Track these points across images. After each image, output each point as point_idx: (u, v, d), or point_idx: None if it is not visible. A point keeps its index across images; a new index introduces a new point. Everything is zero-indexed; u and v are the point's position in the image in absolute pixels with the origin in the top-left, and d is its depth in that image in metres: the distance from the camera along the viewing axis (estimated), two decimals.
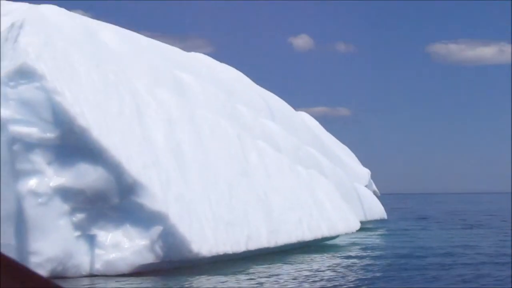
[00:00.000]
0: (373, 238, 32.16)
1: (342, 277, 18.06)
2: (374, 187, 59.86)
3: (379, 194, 63.66)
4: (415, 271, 19.78)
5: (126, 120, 17.86)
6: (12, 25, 17.27)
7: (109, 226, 16.74)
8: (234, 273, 17.72)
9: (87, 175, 16.42)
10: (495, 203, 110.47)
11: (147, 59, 26.16)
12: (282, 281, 16.99)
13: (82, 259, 16.54)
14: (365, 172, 51.46)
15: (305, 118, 48.73)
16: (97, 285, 15.83)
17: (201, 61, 38.45)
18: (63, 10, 22.43)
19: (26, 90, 16.21)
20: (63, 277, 16.24)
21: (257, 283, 16.39)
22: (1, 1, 21.32)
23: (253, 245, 19.67)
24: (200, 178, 19.08)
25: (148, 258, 16.83)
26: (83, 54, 18.66)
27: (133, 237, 16.77)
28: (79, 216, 16.50)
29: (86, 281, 16.24)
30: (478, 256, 23.69)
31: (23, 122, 16.12)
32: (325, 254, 23.13)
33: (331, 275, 18.24)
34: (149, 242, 16.79)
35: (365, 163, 55.29)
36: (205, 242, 17.67)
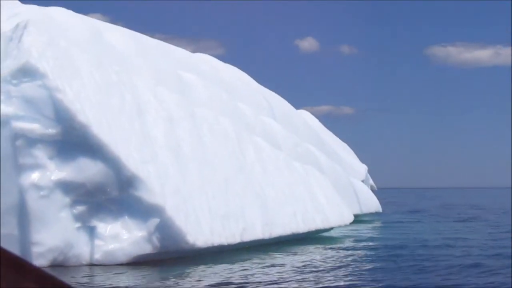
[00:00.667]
0: (366, 230, 31.87)
1: (330, 265, 17.76)
2: (371, 181, 59.54)
3: (376, 189, 63.40)
4: (404, 261, 19.50)
5: (126, 117, 17.61)
6: (17, 25, 17.05)
7: (108, 218, 16.51)
8: (229, 263, 17.46)
9: (87, 169, 16.19)
10: (492, 197, 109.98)
11: (152, 60, 25.92)
12: (275, 270, 16.73)
13: (82, 249, 16.32)
14: (363, 168, 51.16)
15: (305, 117, 48.44)
16: (96, 275, 15.61)
17: (206, 61, 38.19)
18: (70, 12, 22.22)
19: (29, 88, 15.99)
20: (64, 266, 16.04)
21: (250, 273, 16.13)
22: (11, 2, 21.10)
23: (248, 237, 19.40)
24: (197, 173, 18.82)
25: (146, 249, 16.59)
26: (87, 54, 18.42)
27: (131, 228, 16.53)
28: (80, 208, 16.28)
29: (86, 270, 16.02)
30: (468, 248, 23.36)
31: (25, 119, 15.90)
32: (319, 245, 22.85)
33: (321, 264, 17.95)
34: (146, 233, 16.54)
35: (365, 159, 55.09)
36: (200, 234, 17.41)
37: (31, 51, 16.26)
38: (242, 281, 15.10)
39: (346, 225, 27.40)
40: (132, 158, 16.70)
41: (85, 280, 14.88)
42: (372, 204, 40.10)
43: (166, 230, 16.66)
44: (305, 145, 34.51)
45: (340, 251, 21.98)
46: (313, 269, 17.30)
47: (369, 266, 18.61)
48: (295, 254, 20.24)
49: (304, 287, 14.58)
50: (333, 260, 19.25)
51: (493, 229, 33.90)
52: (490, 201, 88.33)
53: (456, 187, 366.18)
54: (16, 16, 19.08)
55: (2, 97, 15.99)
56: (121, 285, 14.38)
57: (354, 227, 31.61)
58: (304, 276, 16.06)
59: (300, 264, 18.05)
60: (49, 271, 1.50)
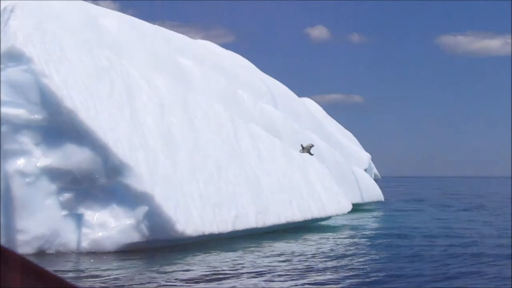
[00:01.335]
0: (366, 219, 31.40)
1: (323, 254, 17.34)
2: (375, 170, 59.04)
3: (380, 177, 62.88)
4: (399, 250, 19.10)
5: (115, 103, 17.18)
6: (4, 9, 16.61)
7: (96, 206, 16.10)
8: (220, 252, 17.07)
9: (74, 156, 15.78)
10: (497, 187, 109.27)
11: (150, 45, 25.46)
12: (266, 258, 16.34)
13: (68, 237, 15.93)
14: (366, 156, 50.66)
15: (309, 105, 47.92)
16: (82, 263, 15.23)
17: (207, 48, 37.71)
18: None
19: (14, 72, 15.56)
20: (50, 254, 15.68)
21: (240, 261, 15.74)
22: None
23: (240, 226, 18.97)
24: (189, 160, 18.39)
25: (134, 237, 16.19)
26: (77, 39, 17.99)
27: (119, 216, 16.13)
28: (66, 195, 15.88)
29: (72, 258, 15.64)
30: (468, 238, 22.92)
31: (11, 104, 15.49)
32: (315, 234, 22.39)
33: (314, 253, 17.53)
34: (135, 221, 16.13)
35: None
36: (190, 222, 16.99)
37: (17, 35, 15.82)
38: (231, 270, 14.73)
39: (345, 214, 26.96)
40: (120, 145, 16.28)
41: (70, 268, 14.52)
42: (374, 192, 39.64)
43: (154, 218, 16.25)
44: (306, 132, 34.03)
45: (336, 240, 21.54)
46: (302, 258, 16.88)
47: (362, 254, 18.21)
48: (287, 242, 19.80)
49: (292, 275, 14.19)
50: (326, 249, 18.81)
51: (495, 218, 33.44)
52: (495, 190, 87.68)
53: (463, 176, 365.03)
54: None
55: None
56: (108, 273, 14.00)
57: (354, 215, 31.16)
58: (294, 265, 15.66)
59: (292, 253, 17.64)
60: (33, 259, 1.45)
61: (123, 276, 13.69)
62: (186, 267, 14.96)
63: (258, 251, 17.91)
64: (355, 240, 21.85)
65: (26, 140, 15.45)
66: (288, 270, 14.99)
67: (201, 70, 27.76)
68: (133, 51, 23.02)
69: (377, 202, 40.76)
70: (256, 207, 19.96)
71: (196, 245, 17.56)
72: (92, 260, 15.42)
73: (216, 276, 13.91)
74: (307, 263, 16.07)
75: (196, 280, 13.46)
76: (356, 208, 33.95)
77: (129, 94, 17.96)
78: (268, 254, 17.36)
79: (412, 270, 15.60)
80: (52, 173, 15.64)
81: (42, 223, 15.43)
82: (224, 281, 13.48)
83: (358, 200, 36.11)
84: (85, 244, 16.01)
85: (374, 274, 14.88)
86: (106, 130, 16.16)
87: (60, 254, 15.90)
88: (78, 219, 16.05)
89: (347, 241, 21.47)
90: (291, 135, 31.57)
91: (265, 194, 20.74)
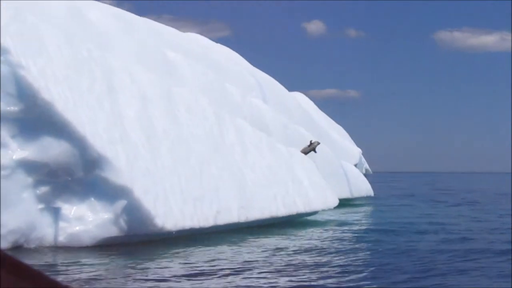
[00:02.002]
0: (353, 214, 31.14)
1: (304, 249, 17.05)
2: (366, 165, 58.89)
3: (371, 172, 62.69)
4: (383, 245, 18.84)
5: (95, 95, 16.85)
6: None
7: (73, 199, 15.78)
8: (200, 247, 16.78)
9: (51, 149, 15.45)
10: (489, 183, 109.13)
11: (136, 38, 25.13)
12: (245, 253, 16.06)
13: (45, 231, 15.61)
14: (357, 151, 50.41)
15: (299, 99, 47.60)
16: (59, 257, 14.92)
17: (196, 41, 37.38)
18: None
19: None
20: (26, 248, 15.37)
21: (221, 257, 15.47)
22: None
23: (222, 220, 18.67)
24: (170, 154, 18.08)
25: (112, 232, 15.88)
26: (57, 30, 17.65)
27: (97, 210, 15.82)
28: (43, 189, 15.55)
29: (49, 253, 15.34)
30: (455, 233, 22.67)
31: None
32: (299, 230, 22.11)
33: (295, 248, 17.25)
34: (113, 215, 15.82)
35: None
36: (170, 216, 16.69)
37: None
38: (211, 266, 14.44)
39: (333, 209, 26.69)
40: (99, 138, 15.97)
41: (46, 262, 14.22)
42: (363, 187, 39.36)
43: (133, 212, 15.95)
44: (295, 127, 33.75)
45: (320, 235, 21.28)
46: (284, 253, 16.60)
47: (346, 250, 17.92)
48: (271, 237, 19.51)
49: (273, 271, 13.91)
50: (310, 245, 18.54)
51: (484, 214, 33.21)
52: (487, 186, 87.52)
53: (455, 172, 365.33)
54: None
55: None
56: (85, 268, 13.71)
57: (342, 210, 30.91)
58: (276, 260, 15.38)
59: (275, 248, 17.35)
60: (22, 260, 1.42)
61: (100, 271, 13.41)
62: (165, 263, 14.68)
63: (240, 246, 17.63)
64: (341, 235, 21.58)
65: (2, 132, 15.12)
66: (269, 265, 14.72)
67: (189, 63, 27.43)
68: (118, 43, 22.69)
69: (367, 197, 40.49)
70: (239, 201, 19.67)
71: (177, 240, 17.26)
72: (69, 255, 15.12)
73: (195, 271, 13.64)
74: (289, 258, 15.79)
75: (174, 275, 13.19)
76: (345, 203, 33.69)
77: (110, 87, 17.63)
78: (251, 249, 17.08)
79: (397, 266, 15.34)
80: (29, 166, 15.32)
81: (18, 216, 15.11)
82: (202, 277, 13.20)
83: (347, 195, 35.82)
84: (62, 238, 15.71)
85: (357, 270, 14.61)
86: (85, 122, 15.84)
87: (37, 249, 15.59)
88: (55, 212, 15.73)
89: (332, 236, 21.20)
90: (280, 129, 31.29)
91: (249, 189, 20.44)
